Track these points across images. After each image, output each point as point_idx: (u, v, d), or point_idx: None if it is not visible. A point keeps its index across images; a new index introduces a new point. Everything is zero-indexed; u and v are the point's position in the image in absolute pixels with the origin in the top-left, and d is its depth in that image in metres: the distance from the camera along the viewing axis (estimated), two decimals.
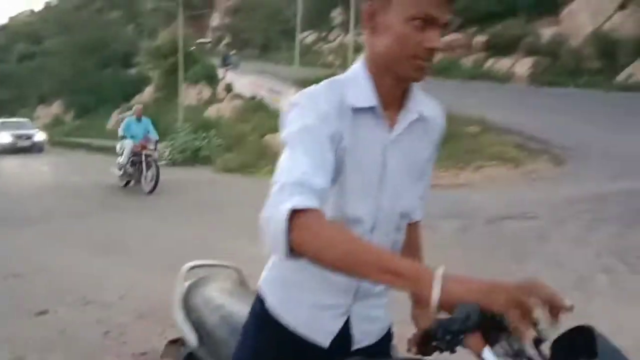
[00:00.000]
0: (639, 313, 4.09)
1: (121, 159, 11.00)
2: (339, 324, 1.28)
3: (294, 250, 0.99)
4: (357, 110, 1.18)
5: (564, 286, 4.65)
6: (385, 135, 1.21)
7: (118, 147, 11.45)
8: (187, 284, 1.96)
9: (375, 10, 1.16)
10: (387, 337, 1.41)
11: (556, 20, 23.76)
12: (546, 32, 23.20)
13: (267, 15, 40.97)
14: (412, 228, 1.42)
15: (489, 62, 24.56)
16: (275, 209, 0.99)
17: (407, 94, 1.24)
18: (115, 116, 30.78)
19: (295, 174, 1.04)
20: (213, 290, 1.91)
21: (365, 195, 1.21)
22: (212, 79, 28.35)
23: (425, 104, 1.29)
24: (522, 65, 22.91)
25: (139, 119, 10.97)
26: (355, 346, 1.31)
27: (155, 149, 10.82)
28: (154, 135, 10.97)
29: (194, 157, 16.11)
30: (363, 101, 1.19)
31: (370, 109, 1.19)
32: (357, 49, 23.31)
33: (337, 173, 1.15)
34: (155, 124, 11.30)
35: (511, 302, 0.83)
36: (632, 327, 3.80)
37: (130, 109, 14.20)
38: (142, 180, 10.56)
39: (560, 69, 21.58)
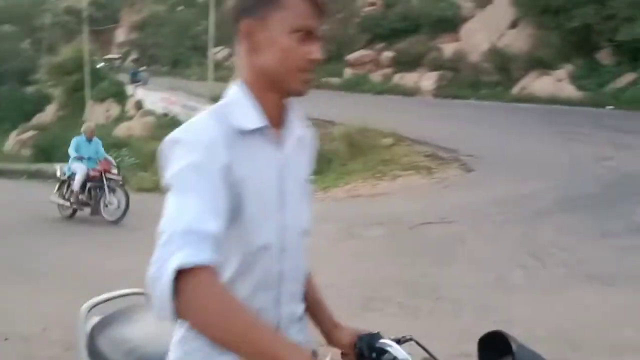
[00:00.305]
0: (553, 304, 4.49)
1: (69, 186, 9.63)
2: None
3: (180, 316, 0.90)
4: (247, 133, 1.12)
5: (486, 283, 5.01)
6: (278, 155, 1.18)
7: (59, 171, 10.12)
8: (90, 325, 1.67)
9: (253, 28, 1.13)
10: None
11: (456, 37, 25.36)
12: (448, 48, 24.66)
13: (175, 31, 40.27)
14: (310, 280, 1.37)
15: (397, 77, 25.67)
16: (161, 268, 0.89)
17: (287, 110, 1.23)
18: (13, 137, 28.71)
19: (184, 221, 0.95)
20: (122, 328, 1.63)
21: (269, 220, 1.15)
22: (120, 96, 27.35)
23: (301, 119, 1.28)
24: (427, 80, 24.16)
25: (89, 140, 9.78)
26: None
27: (118, 172, 9.82)
28: (109, 158, 10.04)
29: None
30: (252, 123, 1.13)
31: (260, 130, 1.14)
32: None
33: (236, 205, 1.08)
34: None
35: None
36: (548, 317, 4.17)
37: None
38: (102, 208, 9.43)
39: (462, 82, 23.00)
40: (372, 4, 30.54)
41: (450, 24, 25.77)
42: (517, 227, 6.75)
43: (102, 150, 10.01)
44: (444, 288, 4.97)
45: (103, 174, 9.49)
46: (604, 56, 19.53)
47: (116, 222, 9.23)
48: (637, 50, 17.99)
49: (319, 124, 17.37)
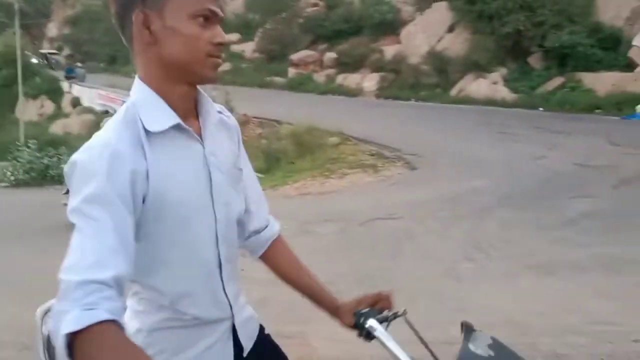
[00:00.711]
0: (501, 293, 4.77)
1: None
2: (229, 352, 1.26)
3: None
4: (161, 134, 1.09)
5: (437, 275, 5.25)
6: (199, 148, 1.15)
7: None
8: (47, 329, 1.63)
9: (148, 18, 1.07)
10: (262, 330, 1.40)
11: (397, 39, 25.98)
12: (389, 50, 25.23)
13: (112, 27, 38.84)
14: (281, 243, 1.44)
15: (340, 78, 26.01)
16: (56, 326, 0.84)
17: (199, 99, 1.20)
18: None
19: (81, 270, 0.89)
20: None
21: (201, 214, 1.15)
22: (54, 93, 26.17)
23: (215, 106, 1.24)
24: (370, 81, 24.62)
25: None
26: (246, 353, 1.31)
27: None
28: None
29: (42, 177, 14.81)
30: (162, 123, 1.09)
31: (174, 127, 1.11)
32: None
33: (159, 206, 1.07)
34: None
35: None
36: (497, 305, 4.44)
37: None
38: None
39: (403, 84, 23.61)
40: (315, 5, 30.78)
41: (391, 27, 26.38)
42: (462, 222, 7.08)
43: None
44: (397, 280, 5.16)
45: None
46: (535, 61, 20.63)
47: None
48: (564, 56, 19.12)
49: (266, 123, 17.41)
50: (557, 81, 19.19)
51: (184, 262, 1.14)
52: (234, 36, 33.89)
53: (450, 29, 23.84)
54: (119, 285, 0.91)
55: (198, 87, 1.19)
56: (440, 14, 24.24)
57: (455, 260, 5.68)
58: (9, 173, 14.96)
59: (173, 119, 1.10)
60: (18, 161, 15.27)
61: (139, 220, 1.05)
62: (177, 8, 1.06)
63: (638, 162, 9.87)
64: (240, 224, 1.29)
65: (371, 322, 1.35)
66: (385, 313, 1.40)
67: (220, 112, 1.26)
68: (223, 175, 1.20)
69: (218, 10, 1.10)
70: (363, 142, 13.87)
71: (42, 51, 38.45)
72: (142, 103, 1.10)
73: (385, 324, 1.36)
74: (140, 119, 1.08)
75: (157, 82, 1.12)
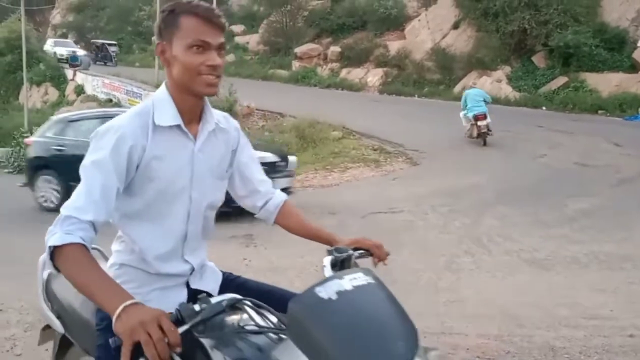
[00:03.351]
0: (498, 286, 4.84)
1: None
2: (182, 295, 1.58)
3: (58, 271, 1.30)
4: (164, 128, 1.47)
5: (436, 267, 5.32)
6: (191, 146, 1.52)
7: None
8: (47, 273, 2.00)
9: (164, 48, 1.47)
10: (229, 276, 1.73)
11: (402, 34, 25.96)
12: (393, 45, 25.22)
13: (116, 15, 38.87)
14: (288, 208, 1.80)
15: (343, 72, 26.01)
16: (48, 240, 1.29)
17: (204, 109, 1.56)
18: None
19: (71, 209, 1.33)
20: None
21: (179, 193, 1.51)
22: (58, 80, 26.15)
23: (219, 117, 1.63)
24: (373, 76, 24.63)
25: None
26: (216, 293, 1.61)
27: None
28: None
29: None
30: (168, 121, 1.47)
31: (176, 127, 1.49)
32: None
33: (147, 184, 1.46)
34: None
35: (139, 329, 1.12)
36: (494, 298, 4.51)
37: None
38: None
39: (406, 79, 23.63)
40: None
41: (396, 22, 26.37)
42: (461, 217, 7.16)
43: None
44: (396, 272, 5.21)
45: None
46: (539, 59, 20.63)
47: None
48: (568, 56, 19.13)
49: (269, 115, 17.45)
50: (561, 80, 19.20)
51: (156, 224, 1.52)
52: (239, 28, 33.87)
53: (455, 26, 23.83)
54: (93, 226, 1.35)
55: (205, 99, 1.55)
56: (445, 11, 24.22)
57: (454, 254, 5.75)
58: (12, 160, 15.00)
59: (176, 120, 1.49)
60: (22, 147, 15.31)
61: (133, 180, 1.45)
62: (179, 41, 1.44)
63: (639, 163, 9.93)
64: (211, 208, 1.63)
65: (325, 260, 1.55)
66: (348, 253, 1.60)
67: (217, 122, 1.60)
68: (206, 170, 1.56)
69: (211, 40, 1.44)
70: (366, 137, 13.94)
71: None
72: (158, 102, 1.50)
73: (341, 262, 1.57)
74: (153, 113, 1.47)
75: (174, 91, 1.50)
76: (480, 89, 13.38)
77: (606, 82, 18.24)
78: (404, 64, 24.22)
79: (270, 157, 7.50)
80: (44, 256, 1.75)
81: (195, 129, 1.54)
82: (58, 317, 1.92)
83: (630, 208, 7.44)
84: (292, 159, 8.19)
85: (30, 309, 4.21)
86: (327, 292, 1.19)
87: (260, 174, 1.77)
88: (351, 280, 1.24)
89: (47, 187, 8.30)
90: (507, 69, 21.02)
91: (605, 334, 3.76)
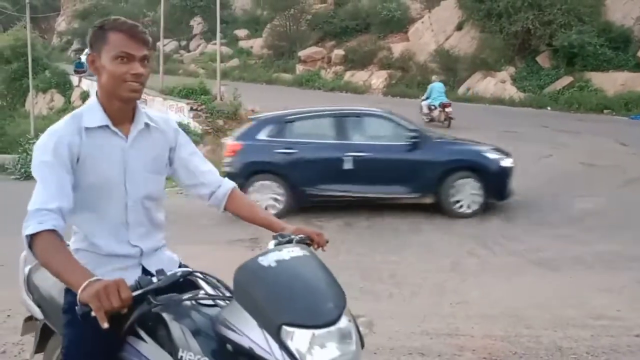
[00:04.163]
0: (504, 287, 4.84)
1: None
2: (137, 273, 1.74)
3: (36, 258, 1.52)
4: (94, 129, 1.69)
5: (441, 269, 5.32)
6: (122, 143, 1.73)
7: None
8: (27, 268, 2.26)
9: (94, 58, 1.68)
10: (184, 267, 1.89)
11: (405, 37, 25.98)
12: (397, 47, 25.23)
13: None
14: (236, 195, 1.98)
15: (347, 75, 26.05)
16: (24, 232, 1.51)
17: (135, 112, 1.78)
18: None
19: (35, 204, 1.54)
20: None
21: (114, 186, 1.72)
22: (64, 86, 26.31)
23: (154, 117, 1.84)
24: (377, 78, 24.64)
25: None
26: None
27: None
28: None
29: None
30: (96, 122, 1.70)
31: (104, 127, 1.70)
32: (222, 59, 23.28)
33: (84, 178, 1.66)
34: None
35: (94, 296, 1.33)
36: (500, 299, 4.51)
37: None
38: None
39: (410, 81, 23.62)
40: (323, 1, 30.80)
41: (399, 24, 26.37)
42: (467, 218, 7.13)
43: None
44: (402, 274, 5.24)
45: None
46: (543, 60, 20.58)
47: None
48: (573, 55, 19.07)
49: None
50: (566, 80, 19.15)
51: (96, 213, 1.74)
52: (242, 32, 33.99)
53: (459, 27, 23.82)
54: (61, 213, 1.56)
55: (137, 103, 1.77)
56: (448, 12, 24.21)
57: (459, 255, 5.75)
58: (19, 166, 15.10)
59: (104, 121, 1.71)
60: (28, 154, 15.42)
61: (74, 176, 1.66)
62: (107, 53, 1.65)
63: None
64: (150, 199, 1.81)
65: (270, 244, 1.73)
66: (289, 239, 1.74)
67: (148, 123, 1.80)
68: (139, 164, 1.76)
69: (134, 52, 1.65)
70: None
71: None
72: (87, 108, 1.73)
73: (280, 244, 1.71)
74: (83, 118, 1.70)
75: (102, 97, 1.72)
76: (441, 83, 16.01)
77: (611, 82, 18.17)
78: (407, 66, 24.23)
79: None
80: (25, 252, 2.04)
81: (128, 128, 1.75)
82: (38, 306, 2.15)
83: (637, 208, 7.41)
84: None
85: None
86: (267, 260, 1.45)
87: (204, 166, 1.96)
88: (289, 252, 1.49)
89: (265, 192, 7.43)
90: (512, 69, 20.98)
91: (612, 334, 3.75)
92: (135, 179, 1.75)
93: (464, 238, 6.37)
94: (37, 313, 2.14)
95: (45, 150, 1.62)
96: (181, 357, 1.52)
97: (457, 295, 4.61)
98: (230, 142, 7.75)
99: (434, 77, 17.68)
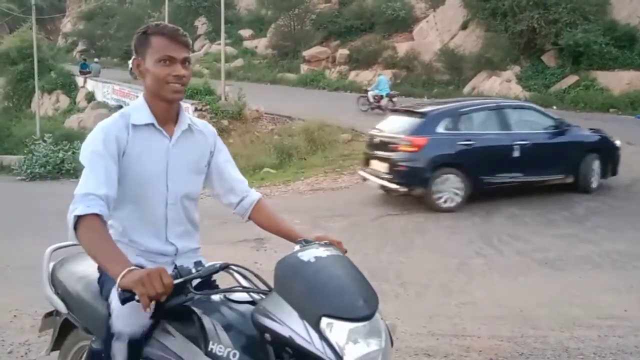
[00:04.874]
0: (510, 287, 4.82)
1: None
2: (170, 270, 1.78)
3: (78, 241, 1.59)
4: (140, 127, 1.79)
5: (447, 269, 5.30)
6: (166, 142, 1.83)
7: None
8: (52, 264, 2.34)
9: (139, 62, 1.79)
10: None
11: (410, 36, 25.92)
12: (401, 47, 25.18)
13: (126, 22, 39.13)
14: (262, 205, 2.04)
15: (352, 74, 26.01)
16: (70, 214, 1.59)
17: (179, 113, 1.88)
18: None
19: (84, 189, 1.63)
20: (75, 265, 2.29)
21: (156, 182, 1.81)
22: (69, 87, 26.40)
23: (194, 120, 1.94)
24: None
25: None
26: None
27: None
28: None
29: (57, 171, 15.02)
30: (142, 120, 1.80)
31: (150, 125, 1.80)
32: (227, 59, 23.30)
33: (128, 172, 1.75)
34: None
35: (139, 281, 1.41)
36: (507, 299, 4.49)
37: None
38: None
39: (415, 80, 23.57)
40: (327, 1, 30.77)
41: (404, 24, 26.32)
42: (472, 218, 7.12)
43: None
44: (408, 274, 5.22)
45: None
46: (549, 59, 20.49)
47: None
48: (578, 54, 18.98)
49: (278, 119, 17.49)
50: (571, 79, 19.06)
51: (137, 206, 1.82)
52: (247, 32, 34.00)
53: (464, 26, 23.74)
54: (107, 199, 1.65)
55: (180, 105, 1.88)
56: (453, 11, 24.15)
57: (465, 255, 5.73)
58: (24, 167, 15.16)
59: (150, 119, 1.81)
60: (34, 155, 15.49)
61: (120, 169, 1.74)
62: (150, 56, 1.75)
63: None
64: (188, 198, 1.89)
65: (295, 248, 1.74)
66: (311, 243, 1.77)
67: (190, 124, 1.89)
68: (181, 163, 1.85)
69: (176, 55, 1.74)
70: None
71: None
72: (135, 106, 1.84)
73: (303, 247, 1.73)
74: (129, 117, 1.80)
75: (149, 97, 1.83)
76: (385, 77, 19.40)
77: (617, 80, 18.07)
78: (412, 65, 24.18)
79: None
80: (51, 248, 2.33)
81: (172, 129, 1.85)
82: (62, 300, 2.22)
83: None
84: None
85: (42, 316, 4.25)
86: (307, 256, 1.53)
87: (236, 174, 2.04)
88: (325, 250, 1.59)
89: (448, 184, 7.58)
90: (517, 68, 20.89)
91: (620, 334, 3.73)
92: (177, 178, 1.84)
93: (471, 238, 6.34)
94: (61, 307, 2.21)
95: (96, 141, 1.72)
96: (211, 349, 1.60)
97: (463, 296, 4.59)
98: (410, 137, 7.64)
99: (378, 72, 21.18)
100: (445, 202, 7.55)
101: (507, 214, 7.28)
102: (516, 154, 7.72)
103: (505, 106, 8.39)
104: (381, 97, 17.71)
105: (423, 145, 7.50)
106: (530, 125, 8.17)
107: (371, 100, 17.94)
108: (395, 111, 9.23)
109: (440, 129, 7.64)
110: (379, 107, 17.51)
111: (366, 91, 18.52)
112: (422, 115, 7.95)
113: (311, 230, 2.08)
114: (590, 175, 8.20)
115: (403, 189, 7.69)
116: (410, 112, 8.34)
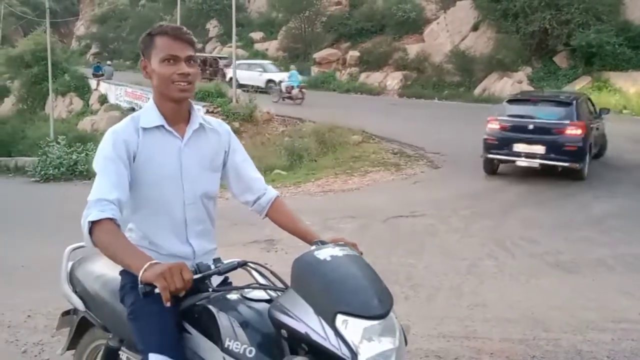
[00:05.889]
0: (522, 290, 4.78)
1: None
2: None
3: (94, 245, 1.62)
4: (150, 129, 1.79)
5: (458, 271, 5.27)
6: (177, 142, 1.83)
7: None
8: (71, 263, 2.39)
9: (146, 64, 1.80)
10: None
11: (420, 37, 25.87)
12: (412, 48, 25.14)
13: (138, 25, 39.44)
14: (279, 204, 2.04)
15: (362, 76, 26.01)
16: (84, 220, 1.61)
17: (191, 113, 1.88)
18: None
19: (96, 194, 1.65)
20: (93, 264, 2.34)
21: (171, 184, 1.81)
22: (82, 90, 26.66)
23: (207, 119, 1.95)
24: (393, 79, 24.59)
25: None
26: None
27: None
28: None
29: (70, 172, 15.14)
30: (152, 122, 1.80)
31: (160, 127, 1.81)
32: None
33: (142, 176, 1.76)
34: None
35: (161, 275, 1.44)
36: (518, 302, 4.46)
37: None
38: None
39: (426, 82, 23.54)
40: (338, 3, 30.81)
41: (414, 25, 26.29)
42: (484, 220, 7.08)
43: None
44: (418, 276, 5.20)
45: None
46: (561, 60, 20.36)
47: None
48: (591, 55, 18.83)
49: (289, 121, 17.53)
50: (584, 80, 18.91)
51: (155, 211, 1.83)
52: (258, 35, 34.12)
53: (475, 28, 23.67)
54: (119, 204, 1.67)
55: (191, 104, 1.88)
56: (464, 13, 24.08)
57: (477, 257, 5.69)
58: (38, 168, 15.29)
59: (160, 121, 1.81)
60: (48, 156, 15.59)
61: (131, 173, 1.75)
62: (155, 57, 1.76)
63: None
64: (206, 197, 1.89)
65: (314, 244, 1.78)
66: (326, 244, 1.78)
67: (203, 123, 1.89)
68: (194, 163, 1.84)
69: (179, 54, 1.74)
70: (385, 141, 13.89)
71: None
72: (144, 109, 1.85)
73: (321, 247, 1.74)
74: (140, 118, 1.81)
75: (157, 99, 1.83)
76: (296, 70, 21.89)
77: (631, 81, 17.91)
78: (423, 67, 24.14)
79: None
80: (70, 248, 2.37)
81: (183, 129, 1.84)
82: (80, 298, 2.26)
83: None
84: None
85: (57, 315, 4.29)
86: (323, 254, 1.56)
87: (254, 173, 2.03)
88: (341, 250, 1.61)
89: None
90: (529, 69, 20.78)
91: (634, 337, 3.69)
92: (191, 177, 1.84)
93: (481, 240, 6.30)
94: (79, 305, 2.26)
95: (106, 147, 1.73)
96: (228, 346, 1.63)
97: (474, 298, 4.56)
98: (576, 122, 8.86)
99: (292, 66, 23.33)
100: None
101: (520, 217, 7.23)
102: None
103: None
104: (292, 87, 20.44)
105: (585, 128, 8.84)
106: None
107: (283, 90, 20.77)
108: (514, 101, 10.06)
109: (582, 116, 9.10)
110: (290, 97, 20.35)
111: (280, 83, 21.53)
112: (566, 104, 9.21)
113: (321, 232, 2.10)
114: None
115: (572, 165, 8.75)
116: (549, 101, 9.75)
